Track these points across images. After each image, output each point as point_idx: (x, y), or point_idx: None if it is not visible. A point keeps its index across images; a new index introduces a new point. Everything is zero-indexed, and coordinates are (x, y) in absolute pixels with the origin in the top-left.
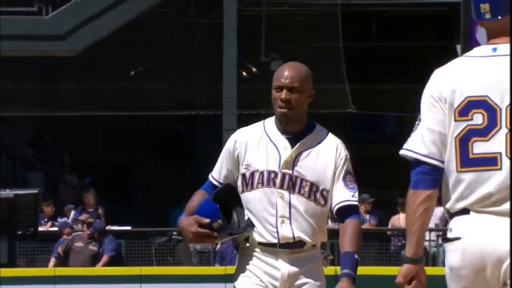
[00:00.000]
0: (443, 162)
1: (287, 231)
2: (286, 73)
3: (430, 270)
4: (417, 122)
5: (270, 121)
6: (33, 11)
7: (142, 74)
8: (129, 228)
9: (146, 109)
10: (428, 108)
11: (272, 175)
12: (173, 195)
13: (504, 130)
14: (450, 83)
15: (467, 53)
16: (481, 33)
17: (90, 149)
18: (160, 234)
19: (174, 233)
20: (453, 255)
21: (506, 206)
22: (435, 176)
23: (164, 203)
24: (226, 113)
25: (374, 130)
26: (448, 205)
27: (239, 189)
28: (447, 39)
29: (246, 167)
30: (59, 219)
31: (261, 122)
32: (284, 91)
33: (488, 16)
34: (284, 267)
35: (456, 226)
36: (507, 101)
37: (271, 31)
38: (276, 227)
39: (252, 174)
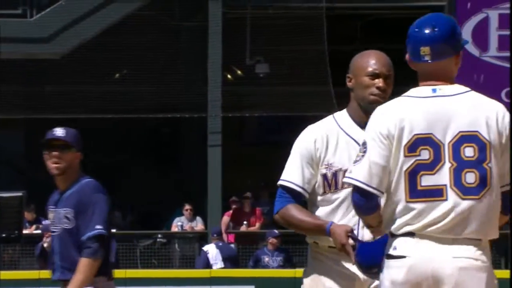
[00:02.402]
0: (382, 192)
1: (367, 234)
2: (381, 60)
3: None
4: (361, 154)
5: (343, 115)
6: (18, 14)
7: (127, 77)
8: (113, 230)
9: (130, 111)
10: (376, 143)
11: None
12: (157, 198)
13: (448, 164)
14: (398, 121)
15: (407, 94)
16: (465, 36)
17: None
18: (145, 237)
19: (159, 235)
20: (398, 271)
21: (449, 235)
22: (375, 202)
23: (149, 206)
24: (211, 116)
25: None
26: (393, 229)
27: (319, 190)
28: None
29: (326, 166)
30: (43, 221)
31: (330, 117)
32: (381, 79)
33: (427, 58)
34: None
35: (402, 245)
36: (449, 138)
37: (256, 34)
38: (358, 230)
39: (335, 174)
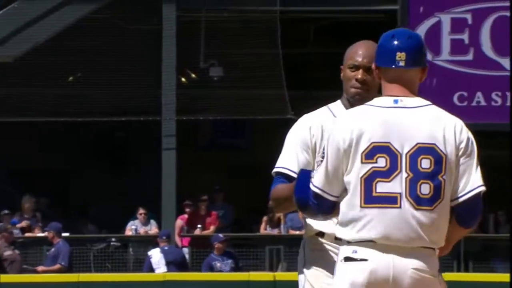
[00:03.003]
0: (336, 196)
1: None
2: (363, 51)
3: None
4: (320, 159)
5: (337, 106)
6: None
7: (80, 80)
8: (67, 234)
9: (84, 115)
10: (334, 151)
11: None
12: (111, 202)
13: (404, 174)
14: (356, 128)
15: (369, 103)
16: None
17: (28, 155)
18: (99, 241)
19: (113, 239)
20: (359, 274)
21: (405, 244)
22: (328, 205)
23: (102, 209)
24: (165, 119)
25: None
26: (349, 234)
27: None
28: None
29: (323, 155)
30: None
31: (325, 107)
32: (361, 71)
33: (402, 64)
34: None
35: (362, 250)
36: (407, 149)
37: (211, 37)
38: None
39: None
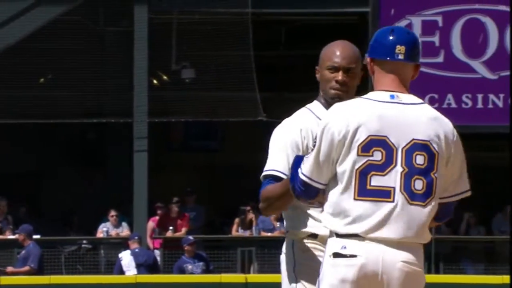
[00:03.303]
0: (323, 184)
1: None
2: (342, 52)
3: None
4: (311, 147)
5: (316, 106)
6: None
7: (52, 82)
8: (38, 236)
9: (56, 117)
10: (328, 142)
11: None
12: (83, 204)
13: (399, 169)
14: (354, 120)
15: (365, 96)
16: None
17: None
18: (70, 243)
19: (84, 241)
20: (348, 269)
21: (394, 237)
22: (314, 192)
23: (74, 212)
24: (137, 121)
25: None
26: (339, 226)
27: None
28: None
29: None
30: None
31: (304, 109)
32: (340, 72)
33: (401, 57)
34: None
35: (351, 245)
36: (403, 144)
37: (182, 39)
38: None
39: None
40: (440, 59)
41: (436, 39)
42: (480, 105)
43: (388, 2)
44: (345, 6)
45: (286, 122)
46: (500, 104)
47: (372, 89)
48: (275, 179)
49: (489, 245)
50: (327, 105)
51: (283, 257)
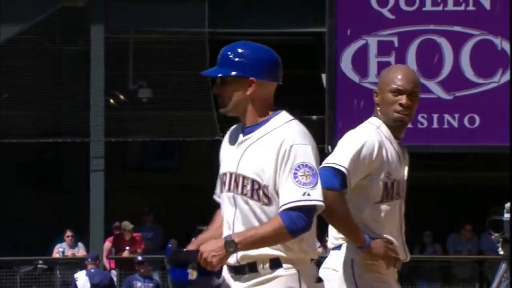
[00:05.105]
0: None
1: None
2: (406, 76)
3: None
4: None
5: (383, 127)
6: None
7: (8, 101)
8: None
9: (11, 136)
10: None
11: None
12: (39, 224)
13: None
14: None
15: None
16: (345, 62)
17: None
18: (25, 263)
19: (40, 262)
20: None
21: None
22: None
23: (30, 232)
24: (94, 141)
25: None
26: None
27: (376, 197)
28: (313, 68)
29: (387, 175)
30: None
31: (372, 127)
32: (405, 96)
33: (280, 80)
34: None
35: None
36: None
37: (139, 58)
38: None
39: (393, 184)
40: None
41: (392, 59)
42: (435, 125)
43: (344, 23)
44: (302, 26)
45: (369, 133)
46: (455, 124)
47: None
48: (340, 175)
49: (446, 264)
50: (391, 129)
51: (332, 275)
